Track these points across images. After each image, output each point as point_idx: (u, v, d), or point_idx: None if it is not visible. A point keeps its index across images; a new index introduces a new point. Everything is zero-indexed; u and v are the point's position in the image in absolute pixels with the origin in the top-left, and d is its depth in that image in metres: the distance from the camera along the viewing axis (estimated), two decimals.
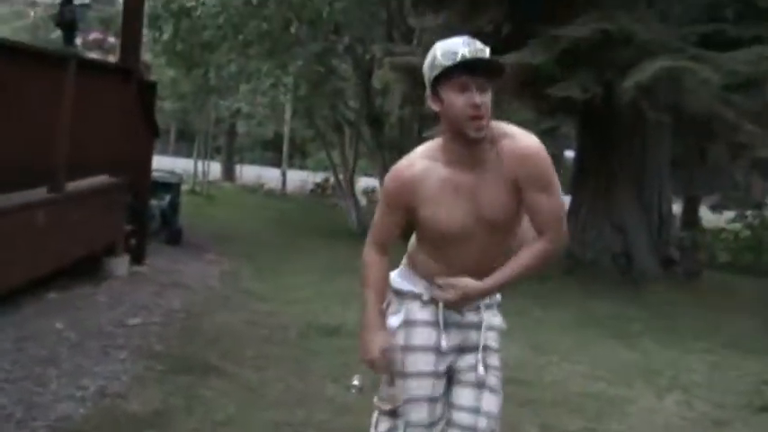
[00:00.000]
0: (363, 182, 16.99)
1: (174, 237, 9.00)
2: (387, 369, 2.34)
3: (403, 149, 13.24)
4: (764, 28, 8.93)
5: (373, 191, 16.48)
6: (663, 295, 8.70)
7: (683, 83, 8.11)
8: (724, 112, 8.45)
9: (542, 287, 8.84)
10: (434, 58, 2.10)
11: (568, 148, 23.45)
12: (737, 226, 14.92)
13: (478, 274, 2.24)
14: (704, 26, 8.78)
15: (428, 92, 2.17)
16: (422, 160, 2.23)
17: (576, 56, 8.40)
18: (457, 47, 2.08)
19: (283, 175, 20.30)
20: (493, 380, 2.41)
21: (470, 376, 2.37)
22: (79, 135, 5.78)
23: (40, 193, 5.35)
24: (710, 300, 8.79)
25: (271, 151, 27.72)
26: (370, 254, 2.38)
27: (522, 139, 2.18)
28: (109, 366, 4.18)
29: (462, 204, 2.18)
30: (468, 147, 2.14)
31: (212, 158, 19.22)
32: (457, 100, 2.08)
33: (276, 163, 23.73)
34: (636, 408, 4.50)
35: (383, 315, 2.39)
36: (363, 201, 15.71)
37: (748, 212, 14.88)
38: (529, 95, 9.69)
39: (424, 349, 2.34)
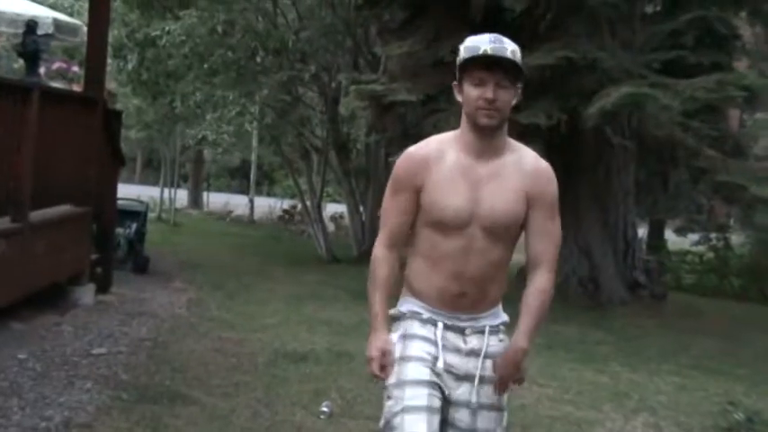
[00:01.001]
0: (331, 208, 16.97)
1: (140, 265, 8.90)
2: (382, 370, 2.29)
3: (370, 176, 13.36)
4: (723, 55, 9.17)
5: (341, 216, 16.48)
6: (629, 318, 8.80)
7: (645, 109, 8.27)
8: (684, 137, 8.62)
9: (507, 311, 8.90)
10: (461, 50, 2.20)
11: None
12: (702, 249, 15.17)
13: (474, 286, 2.25)
14: (666, 53, 8.98)
15: (456, 81, 2.26)
16: (436, 143, 2.28)
17: (541, 83, 8.53)
18: (481, 43, 2.17)
19: (251, 202, 20.22)
20: (486, 423, 2.30)
21: (463, 415, 2.28)
22: (44, 164, 5.73)
23: (3, 222, 5.28)
24: (676, 322, 8.90)
25: (238, 179, 27.65)
26: (378, 249, 2.33)
27: (542, 161, 2.28)
28: (74, 396, 4.11)
29: (464, 191, 2.20)
30: (482, 137, 2.20)
31: (179, 186, 19.09)
32: (473, 92, 2.17)
33: (244, 190, 23.66)
34: (604, 430, 4.54)
35: (388, 315, 2.35)
36: (331, 227, 15.70)
37: (712, 235, 15.13)
38: None
39: (420, 359, 2.27)
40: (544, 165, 2.27)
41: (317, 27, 12.01)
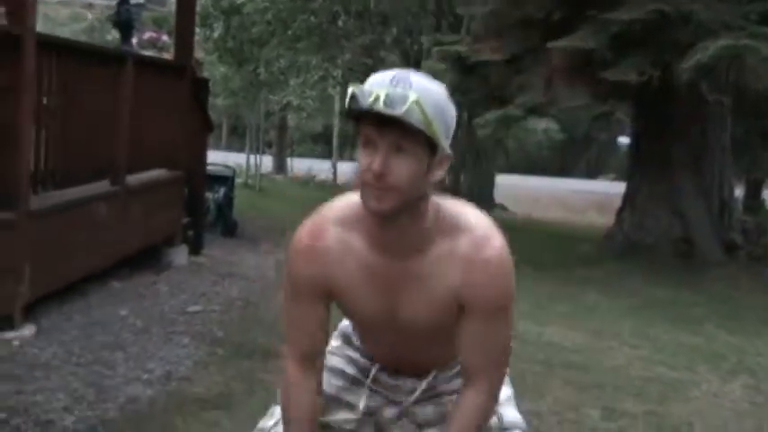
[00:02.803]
0: None
1: (229, 229, 9.12)
2: None
3: (452, 142, 13.30)
4: None
5: None
6: (726, 280, 8.51)
7: (744, 61, 7.89)
8: None
9: (600, 272, 8.74)
10: (349, 92, 1.46)
11: (622, 133, 23.14)
12: None
13: (411, 368, 1.79)
14: (765, 3, 8.52)
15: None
16: (335, 228, 1.61)
17: (631, 38, 8.25)
18: (379, 85, 1.44)
19: (334, 166, 20.41)
20: None
21: None
22: (137, 130, 5.91)
23: (103, 186, 5.49)
24: None
25: (321, 144, 27.90)
26: (289, 371, 1.69)
27: (482, 241, 1.56)
28: (173, 351, 4.27)
29: (376, 300, 1.61)
30: (384, 227, 1.53)
31: (264, 152, 19.41)
32: (360, 158, 1.48)
33: (327, 155, 23.87)
34: (700, 392, 4.41)
35: None
36: None
37: None
38: (581, 81, 9.55)
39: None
40: (486, 257, 1.55)
41: None
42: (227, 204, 9.41)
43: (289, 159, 23.14)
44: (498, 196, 16.64)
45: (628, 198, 10.34)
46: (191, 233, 7.27)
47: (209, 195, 8.74)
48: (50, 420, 3.15)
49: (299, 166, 22.23)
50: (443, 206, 1.59)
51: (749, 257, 9.57)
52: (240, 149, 20.77)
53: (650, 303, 7.16)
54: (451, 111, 1.51)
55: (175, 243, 6.81)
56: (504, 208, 16.11)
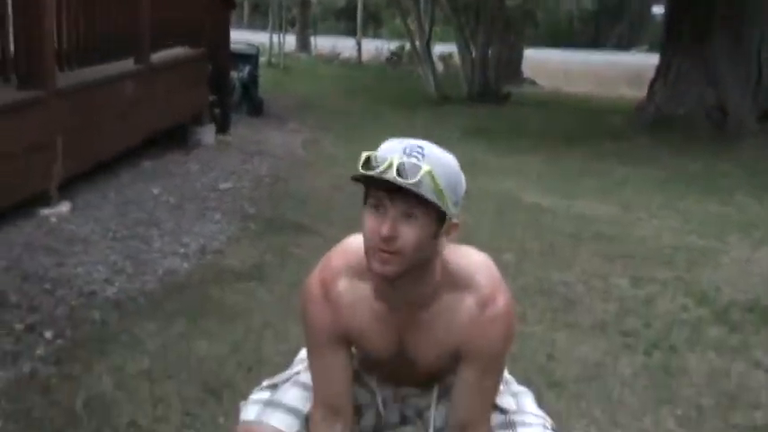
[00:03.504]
0: (437, 49, 16.60)
1: (255, 108, 9.09)
2: None
3: (479, 11, 12.89)
4: None
5: (450, 56, 16.10)
6: (759, 150, 8.35)
7: None
8: None
9: (630, 145, 8.64)
10: (362, 157, 1.49)
11: (657, 2, 22.26)
12: None
13: (414, 385, 1.83)
14: None
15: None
16: (345, 277, 1.64)
17: None
18: (392, 153, 1.46)
19: (358, 44, 19.97)
20: None
21: None
22: (159, 7, 5.80)
23: (128, 64, 5.45)
24: None
25: (344, 21, 27.25)
26: (316, 427, 1.72)
27: (488, 301, 1.61)
28: (206, 227, 4.35)
29: (384, 340, 1.67)
30: (391, 286, 1.57)
31: (287, 31, 19.03)
32: (367, 221, 1.50)
33: (351, 32, 23.35)
34: (729, 258, 4.43)
35: None
36: (440, 66, 15.41)
37: None
38: None
39: None
40: (491, 316, 1.60)
41: None
42: (252, 83, 9.33)
43: (312, 38, 22.71)
44: (527, 70, 16.27)
45: (661, 69, 10.05)
46: (217, 112, 7.26)
47: (233, 74, 8.66)
48: (93, 291, 3.27)
49: (323, 44, 21.81)
50: (451, 259, 1.62)
51: None
52: (262, 28, 20.36)
53: (680, 175, 7.09)
54: (462, 181, 1.55)
55: (203, 122, 6.82)
56: (532, 82, 15.79)
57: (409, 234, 1.48)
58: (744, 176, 7.10)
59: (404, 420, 1.91)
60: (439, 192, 1.47)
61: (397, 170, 1.44)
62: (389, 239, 1.47)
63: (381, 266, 1.50)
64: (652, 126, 9.44)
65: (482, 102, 11.83)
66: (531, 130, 9.48)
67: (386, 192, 1.47)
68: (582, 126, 10.06)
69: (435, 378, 1.80)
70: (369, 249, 1.51)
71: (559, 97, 13.88)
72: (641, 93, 10.75)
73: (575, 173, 7.14)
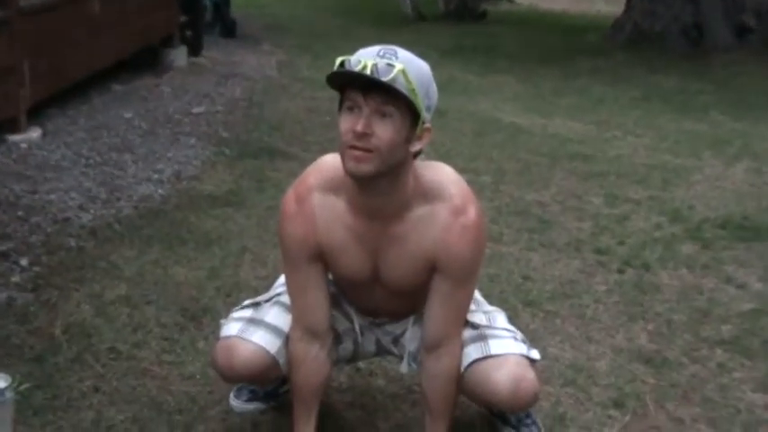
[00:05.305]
0: None
1: (228, 29, 8.87)
2: None
3: None
4: None
5: None
6: (735, 66, 8.35)
7: None
8: None
9: (606, 62, 8.59)
10: (336, 62, 1.53)
11: None
12: None
13: (390, 316, 1.90)
14: None
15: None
16: (320, 192, 1.67)
17: None
18: (367, 56, 1.50)
19: None
20: None
21: None
22: None
23: None
24: None
25: None
26: (293, 345, 1.79)
27: (460, 209, 1.64)
28: (180, 152, 4.30)
29: (359, 258, 1.70)
30: (366, 192, 1.60)
31: None
32: (343, 122, 1.53)
33: None
34: (702, 176, 4.48)
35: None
36: None
37: None
38: None
39: None
40: (464, 224, 1.64)
41: None
42: (224, 2, 9.08)
43: None
44: None
45: None
46: (189, 33, 7.08)
47: None
48: (67, 218, 3.24)
49: None
50: (423, 172, 1.65)
51: (763, 42, 9.29)
52: None
53: (656, 93, 7.09)
54: (434, 87, 1.57)
55: (174, 44, 6.65)
56: (509, 0, 15.53)
57: (384, 132, 1.50)
58: (718, 93, 7.12)
59: (380, 351, 1.98)
60: (412, 91, 1.50)
61: (371, 70, 1.47)
62: (364, 136, 1.50)
63: (356, 165, 1.52)
64: (628, 43, 9.37)
65: (459, 21, 11.67)
66: (508, 48, 9.38)
67: (360, 91, 1.50)
68: (559, 44, 9.97)
69: (410, 308, 1.86)
70: (344, 149, 1.53)
71: (536, 14, 13.69)
72: (618, 9, 10.62)
73: (551, 92, 7.11)
